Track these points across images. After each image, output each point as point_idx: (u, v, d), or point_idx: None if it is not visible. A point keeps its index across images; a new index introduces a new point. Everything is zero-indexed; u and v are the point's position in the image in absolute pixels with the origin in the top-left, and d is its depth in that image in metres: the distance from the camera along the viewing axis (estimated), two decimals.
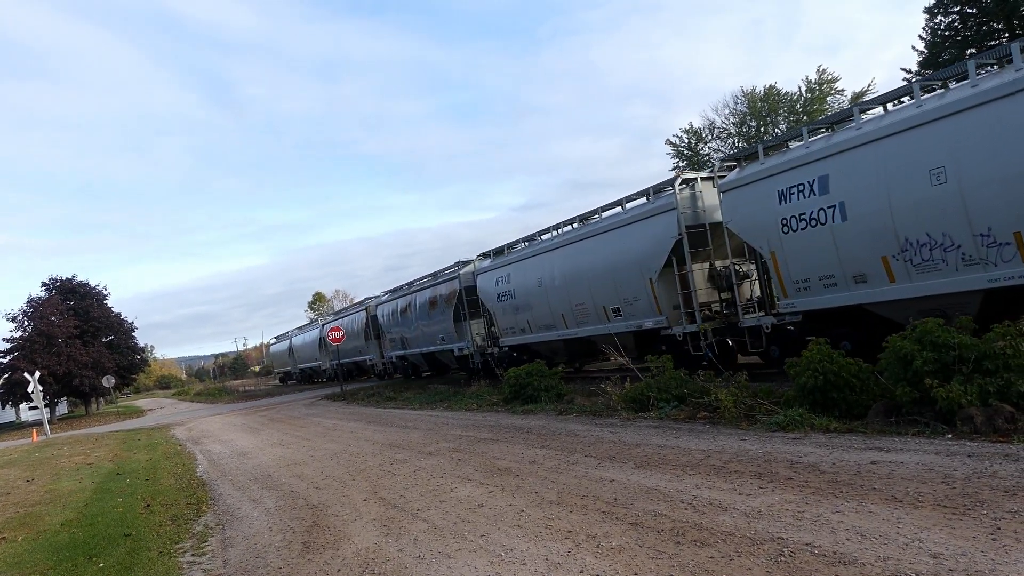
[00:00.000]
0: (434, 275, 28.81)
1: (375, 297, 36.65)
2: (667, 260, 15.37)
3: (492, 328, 24.32)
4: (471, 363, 25.64)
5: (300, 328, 57.05)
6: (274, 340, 67.14)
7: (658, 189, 16.18)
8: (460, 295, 25.23)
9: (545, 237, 20.81)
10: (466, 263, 25.68)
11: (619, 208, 17.45)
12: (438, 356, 28.77)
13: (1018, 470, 5.82)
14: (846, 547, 4.72)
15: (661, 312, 15.87)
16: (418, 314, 28.97)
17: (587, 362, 22.34)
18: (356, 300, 64.05)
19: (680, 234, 14.95)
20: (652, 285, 15.83)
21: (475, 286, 24.58)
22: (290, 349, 56.45)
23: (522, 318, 21.41)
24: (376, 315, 34.79)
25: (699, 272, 15.39)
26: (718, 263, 15.62)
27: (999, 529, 4.64)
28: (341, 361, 40.03)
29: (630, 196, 17.19)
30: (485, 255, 24.60)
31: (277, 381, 64.75)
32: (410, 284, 31.08)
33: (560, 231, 19.99)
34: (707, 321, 15.10)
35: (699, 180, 15.46)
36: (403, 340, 31.32)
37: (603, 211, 18.21)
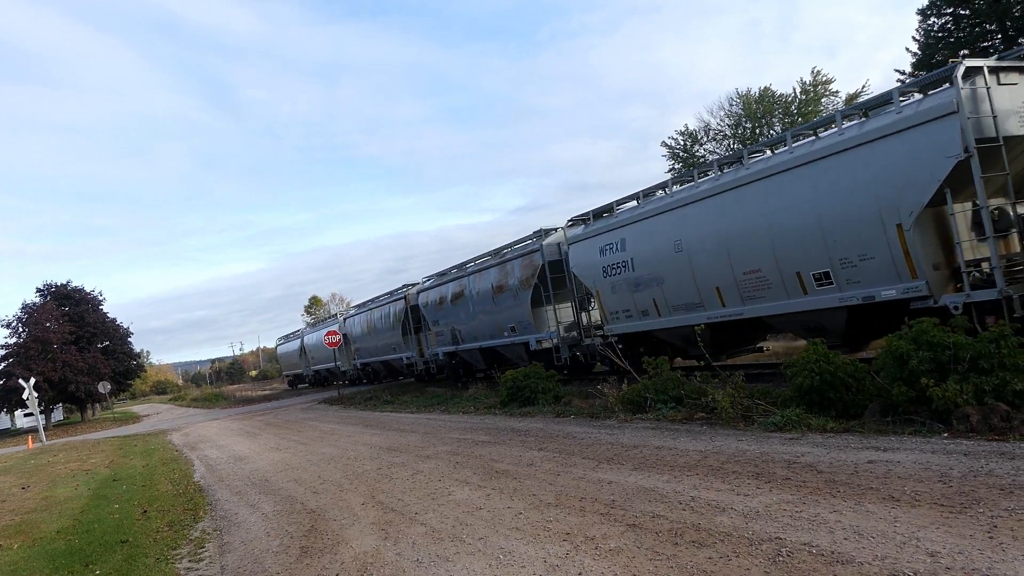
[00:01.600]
0: (497, 252, 23.56)
1: (414, 284, 31.07)
2: (935, 194, 9.99)
3: (584, 314, 19.54)
4: (555, 358, 19.94)
5: (313, 325, 53.48)
6: (281, 340, 62.08)
7: (930, 84, 10.66)
8: (543, 272, 19.85)
9: (680, 188, 15.23)
10: (549, 232, 20.48)
11: (833, 128, 11.82)
12: (502, 351, 23.32)
13: (1014, 468, 5.84)
14: (844, 546, 4.73)
15: (917, 274, 10.50)
16: (477, 300, 23.70)
17: (736, 352, 16.63)
18: (354, 303, 61.58)
19: (966, 152, 9.53)
20: (902, 234, 10.50)
21: (562, 260, 19.49)
22: (302, 349, 51.31)
23: (644, 297, 15.83)
24: (418, 304, 29.23)
25: (961, 216, 10.25)
26: (994, 201, 10.21)
27: (996, 527, 4.65)
28: (366, 361, 37.73)
29: (848, 109, 12.23)
30: (579, 220, 18.93)
31: (286, 385, 60.21)
32: (461, 267, 26.05)
33: (715, 174, 14.17)
34: (1008, 285, 9.52)
35: (985, 69, 10.02)
36: (454, 333, 26.10)
37: (796, 136, 12.64)
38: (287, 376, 59.95)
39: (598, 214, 18.04)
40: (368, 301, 37.17)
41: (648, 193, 16.50)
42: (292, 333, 59.14)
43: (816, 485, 6.26)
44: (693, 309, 14.77)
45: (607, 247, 17.01)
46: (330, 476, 10.92)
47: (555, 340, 20.04)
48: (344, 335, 38.72)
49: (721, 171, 14.03)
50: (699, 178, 14.78)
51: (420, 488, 8.90)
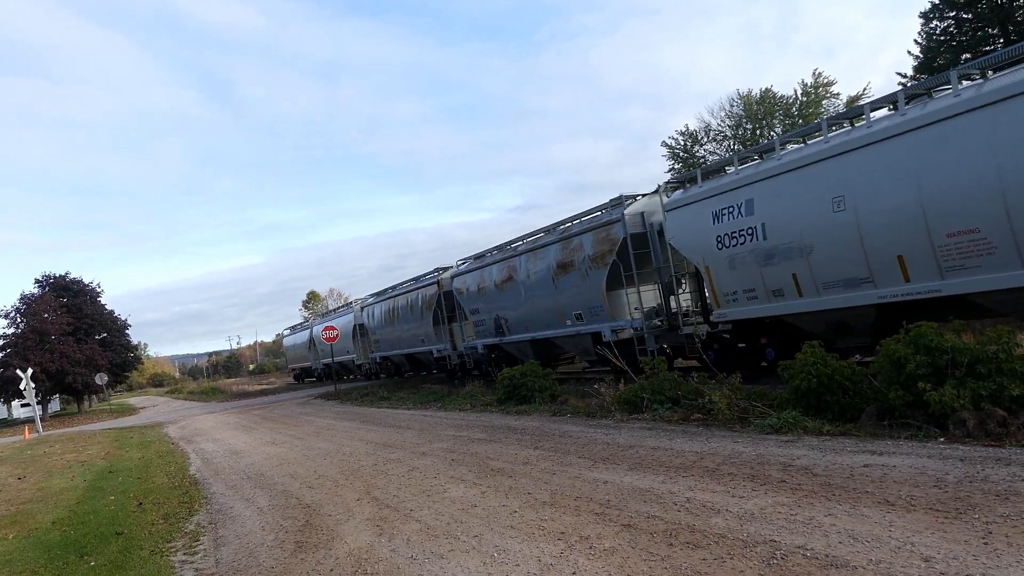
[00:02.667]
0: (557, 227, 19.81)
1: (446, 268, 27.19)
2: None
3: (674, 297, 16.34)
4: (637, 351, 15.88)
5: (324, 316, 50.05)
6: (288, 332, 58.79)
7: None
8: (623, 247, 16.28)
9: (840, 132, 11.80)
10: (630, 199, 16.85)
11: None
12: (560, 343, 20.09)
13: (1010, 474, 5.84)
14: (838, 550, 4.73)
15: None
16: (532, 284, 20.15)
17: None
18: (351, 300, 60.79)
19: None
20: None
21: (646, 233, 16.28)
22: (311, 341, 47.97)
23: (778, 273, 12.49)
24: (453, 290, 25.48)
25: None
26: None
27: (991, 533, 4.65)
28: (387, 354, 33.83)
29: None
30: (680, 181, 15.79)
31: (292, 379, 57.33)
32: (504, 247, 22.65)
33: (888, 112, 11.05)
34: None
35: None
36: (498, 323, 22.28)
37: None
38: (293, 370, 56.87)
39: (709, 172, 14.67)
40: (390, 288, 33.10)
41: (796, 138, 13.05)
42: (300, 324, 56.52)
43: (811, 488, 6.27)
44: (856, 286, 11.35)
45: (724, 212, 13.44)
46: (326, 471, 10.92)
47: (638, 329, 16.35)
48: (359, 326, 36.56)
49: (905, 105, 10.65)
50: (857, 123, 11.63)
51: (415, 485, 8.90)
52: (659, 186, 16.28)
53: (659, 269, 16.12)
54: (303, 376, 53.54)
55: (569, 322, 18.80)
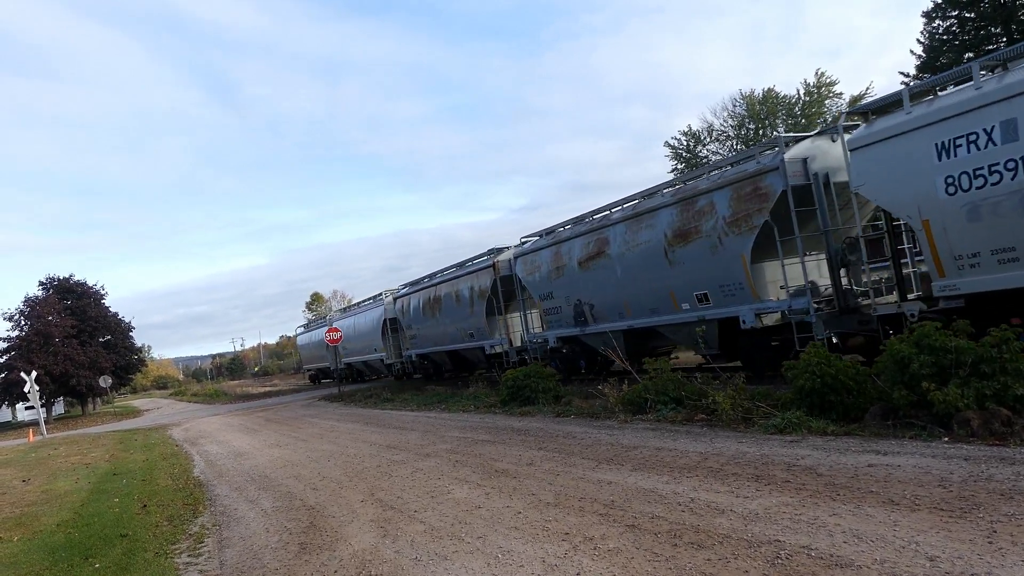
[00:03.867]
0: (668, 187, 16.40)
1: (503, 248, 23.58)
2: None
3: (846, 269, 12.48)
4: (803, 337, 12.33)
5: (344, 311, 44.50)
6: (301, 330, 54.59)
7: None
8: (782, 201, 12.62)
9: None
10: (789, 140, 13.13)
11: None
12: (670, 333, 16.25)
13: (1014, 473, 5.83)
14: (843, 550, 4.72)
15: None
16: (630, 259, 16.40)
17: None
18: (355, 300, 57.87)
19: None
20: None
21: (810, 184, 12.48)
22: None
23: None
24: (516, 273, 21.67)
25: None
26: None
27: (995, 532, 4.65)
28: (425, 351, 29.63)
29: None
30: (862, 112, 11.83)
31: (307, 380, 53.37)
32: (583, 219, 19.05)
33: None
34: None
35: None
36: (579, 310, 18.13)
37: None
38: (309, 371, 52.07)
39: (920, 94, 10.76)
40: (429, 276, 29.19)
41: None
42: (315, 320, 52.64)
43: (816, 488, 6.26)
44: None
45: (959, 142, 9.77)
46: (330, 473, 10.93)
47: (800, 311, 12.59)
48: (389, 320, 32.38)
49: None
50: None
51: (419, 486, 8.90)
52: (825, 124, 13.94)
53: (827, 233, 12.35)
54: (319, 377, 49.90)
55: (687, 306, 15.08)
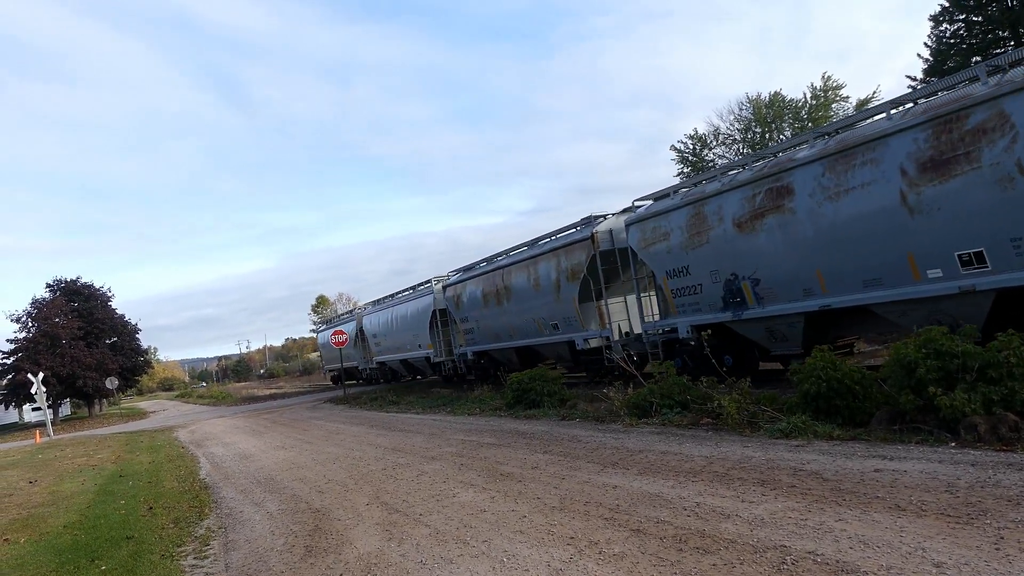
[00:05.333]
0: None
1: (603, 216, 18.53)
2: None
3: None
4: None
5: (378, 303, 36.77)
6: (323, 327, 49.72)
7: None
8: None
9: None
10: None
11: None
12: (879, 310, 11.56)
13: (1022, 479, 5.80)
14: (849, 555, 4.71)
15: None
16: (846, 206, 11.46)
17: None
18: (360, 304, 54.42)
19: None
20: None
21: None
22: (358, 335, 38.47)
23: None
24: (632, 247, 16.47)
25: None
26: None
27: (1002, 539, 4.62)
28: (483, 348, 24.80)
29: None
30: None
31: (329, 381, 48.62)
32: (721, 173, 14.52)
33: None
34: None
35: None
36: (735, 286, 13.74)
37: None
38: (331, 371, 46.54)
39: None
40: (487, 260, 24.61)
41: None
42: (339, 316, 47.68)
43: (822, 493, 6.24)
44: None
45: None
46: (335, 476, 10.94)
47: None
48: (438, 312, 27.88)
49: None
50: None
51: (425, 489, 8.91)
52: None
53: None
54: (340, 378, 44.57)
55: (936, 272, 10.46)
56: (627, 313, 18.53)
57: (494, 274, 23.15)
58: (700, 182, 15.06)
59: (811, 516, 5.65)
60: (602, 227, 17.95)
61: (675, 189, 15.64)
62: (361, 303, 51.37)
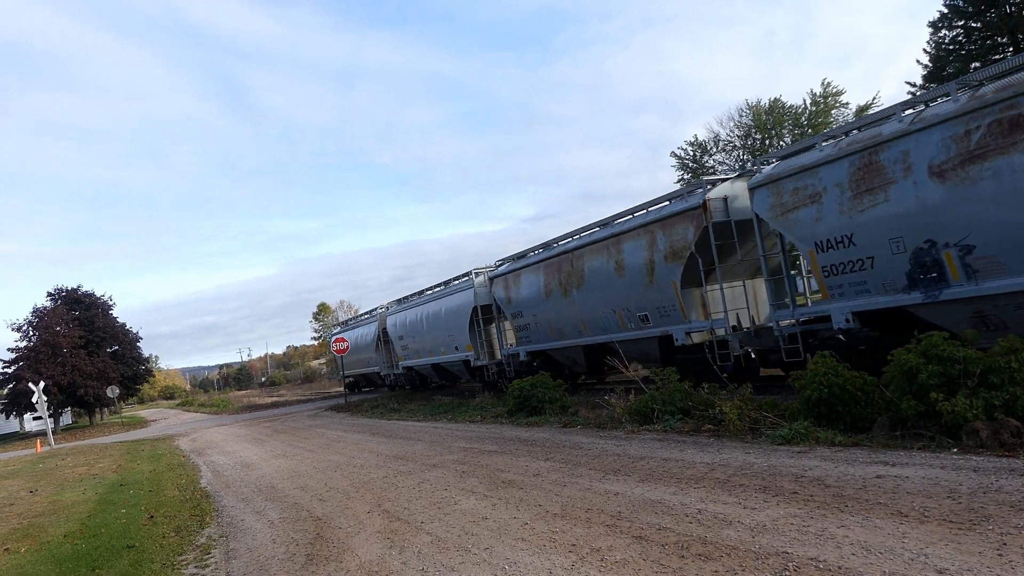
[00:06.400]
0: None
1: (720, 179, 14.84)
2: None
3: None
4: None
5: (403, 301, 32.27)
6: (338, 328, 46.21)
7: None
8: None
9: None
10: None
11: None
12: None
13: None
14: (851, 562, 4.70)
15: None
16: None
17: None
18: (363, 311, 53.92)
19: None
20: None
21: None
22: (379, 339, 34.55)
23: None
24: (759, 213, 12.99)
25: None
26: None
27: (1005, 545, 4.61)
28: (542, 348, 20.84)
29: None
30: None
31: (343, 388, 43.14)
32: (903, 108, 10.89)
33: None
34: None
35: None
36: (934, 257, 10.23)
37: None
38: (347, 377, 41.69)
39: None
40: (544, 246, 20.88)
41: None
42: (359, 316, 43.87)
43: (824, 499, 6.23)
44: None
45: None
46: (336, 484, 10.93)
47: None
48: (479, 309, 24.03)
49: None
50: None
51: (426, 497, 8.89)
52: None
53: None
54: (359, 385, 42.62)
55: None
56: (745, 300, 15.07)
57: (559, 259, 19.36)
58: (864, 125, 11.53)
59: (813, 522, 5.63)
60: (715, 193, 14.23)
61: (826, 137, 12.06)
62: (362, 311, 50.19)
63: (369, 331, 36.02)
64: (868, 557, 4.74)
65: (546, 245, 20.70)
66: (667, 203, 15.68)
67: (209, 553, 7.90)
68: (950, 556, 4.55)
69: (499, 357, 23.99)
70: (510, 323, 23.00)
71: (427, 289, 29.63)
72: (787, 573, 4.68)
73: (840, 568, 4.62)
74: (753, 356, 14.42)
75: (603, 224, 17.98)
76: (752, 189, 13.05)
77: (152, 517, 10.40)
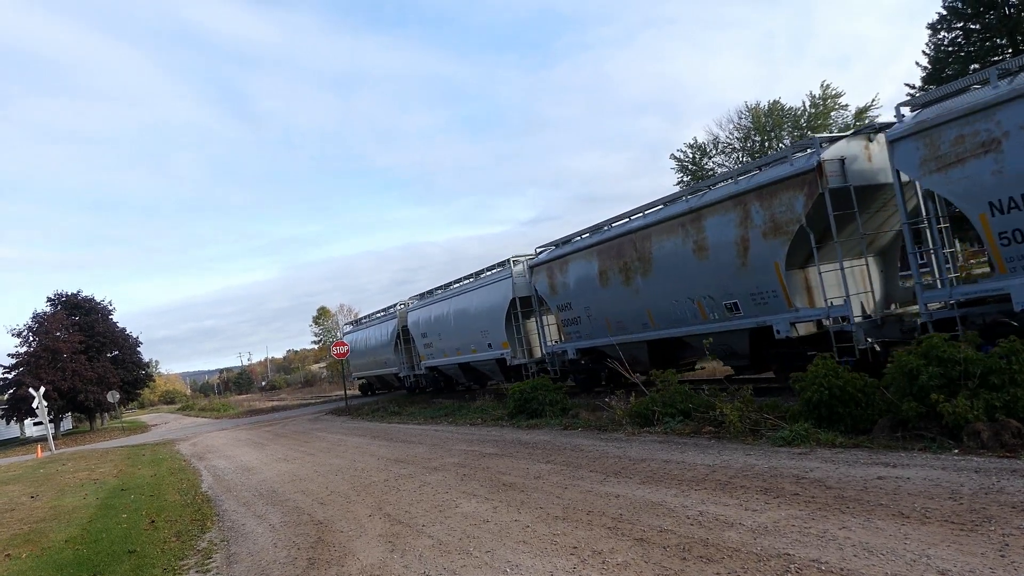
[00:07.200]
0: None
1: (820, 142, 11.94)
2: None
3: None
4: None
5: (426, 295, 29.65)
6: (349, 327, 42.66)
7: None
8: None
9: None
10: None
11: None
12: None
13: None
14: (853, 563, 4.69)
15: None
16: None
17: None
18: (361, 315, 54.83)
19: None
20: None
21: None
22: (397, 337, 32.01)
23: None
24: (908, 173, 10.76)
25: None
26: None
27: (1007, 545, 4.61)
28: (588, 344, 18.68)
29: None
30: None
31: (357, 391, 42.16)
32: None
33: None
34: None
35: None
36: None
37: None
38: (360, 379, 40.33)
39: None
40: (593, 229, 18.39)
41: None
42: (372, 315, 38.33)
43: (825, 501, 6.23)
44: None
45: None
46: (337, 487, 10.92)
47: None
48: (517, 301, 21.61)
49: None
50: None
51: (427, 500, 8.89)
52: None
53: None
54: (373, 387, 40.07)
55: None
56: (868, 282, 12.53)
57: (619, 242, 16.85)
58: None
59: (814, 524, 5.63)
60: (830, 154, 11.78)
61: (1001, 73, 9.61)
62: (362, 314, 49.79)
63: (386, 329, 33.52)
64: (870, 558, 4.73)
65: (597, 228, 18.26)
66: (757, 171, 13.48)
67: (210, 558, 7.89)
68: (952, 557, 4.55)
69: (539, 355, 21.75)
70: (555, 317, 20.45)
71: (454, 282, 27.27)
72: (789, 575, 4.67)
73: (842, 570, 4.62)
74: (878, 349, 11.92)
75: (673, 200, 15.62)
76: (893, 142, 10.83)
77: (153, 522, 10.39)
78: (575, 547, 5.98)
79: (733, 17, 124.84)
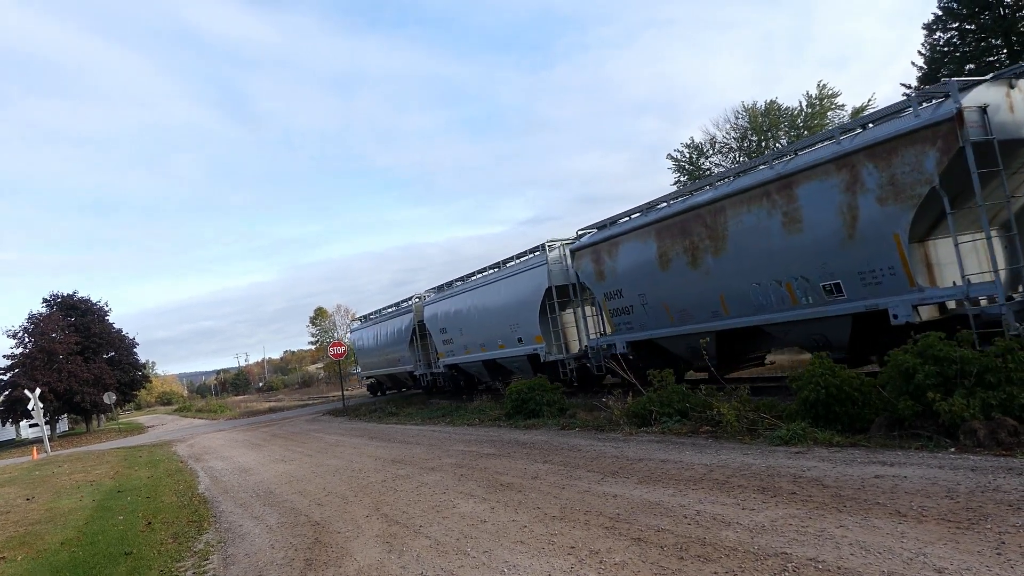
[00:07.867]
0: None
1: (960, 86, 9.60)
2: None
3: None
4: None
5: (444, 288, 27.32)
6: (359, 323, 40.27)
7: None
8: None
9: None
10: None
11: None
12: None
13: (1022, 484, 5.80)
14: (850, 562, 4.70)
15: None
16: None
17: None
18: (358, 315, 52.51)
19: None
20: None
21: None
22: (412, 333, 29.82)
23: None
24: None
25: None
26: None
27: (1004, 543, 4.62)
28: (640, 336, 16.16)
29: None
30: None
31: (366, 390, 40.54)
32: None
33: None
34: None
35: None
36: None
37: None
38: (369, 378, 38.23)
39: None
40: (645, 207, 16.12)
41: None
42: (383, 310, 35.09)
43: (822, 500, 6.23)
44: None
45: None
46: (335, 488, 10.90)
47: None
48: (553, 291, 19.43)
49: None
50: None
51: (425, 500, 8.88)
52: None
53: None
54: (383, 387, 37.77)
55: None
56: (992, 260, 9.74)
57: (685, 218, 14.51)
58: None
59: (812, 523, 5.64)
60: (970, 100, 9.62)
61: None
62: (359, 314, 49.25)
63: (400, 325, 30.96)
64: (867, 557, 4.74)
65: (651, 205, 15.98)
66: (882, 122, 10.95)
67: (207, 559, 7.87)
68: (949, 555, 4.56)
69: (576, 350, 19.71)
70: (602, 306, 17.95)
71: (476, 272, 24.87)
72: (786, 574, 4.68)
73: (839, 568, 4.62)
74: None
75: (752, 167, 13.44)
76: None
77: (150, 524, 10.36)
78: (572, 547, 5.98)
79: (733, 18, 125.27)
